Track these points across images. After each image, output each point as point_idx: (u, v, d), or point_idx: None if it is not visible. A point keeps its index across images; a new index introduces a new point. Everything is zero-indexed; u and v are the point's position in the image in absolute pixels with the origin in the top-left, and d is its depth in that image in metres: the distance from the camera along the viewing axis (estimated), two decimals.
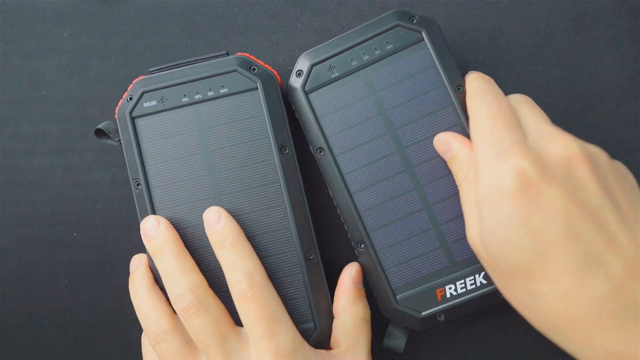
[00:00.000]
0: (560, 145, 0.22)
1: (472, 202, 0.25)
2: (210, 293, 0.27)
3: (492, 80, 0.28)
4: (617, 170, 0.23)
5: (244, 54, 0.30)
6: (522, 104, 0.26)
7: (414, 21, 0.29)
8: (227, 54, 0.30)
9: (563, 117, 0.33)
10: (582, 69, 0.33)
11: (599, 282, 0.20)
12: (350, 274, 0.29)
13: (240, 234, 0.28)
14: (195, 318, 0.26)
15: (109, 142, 0.30)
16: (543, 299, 0.21)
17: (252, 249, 0.28)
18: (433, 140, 0.28)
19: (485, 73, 0.28)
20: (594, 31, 0.33)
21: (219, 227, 0.28)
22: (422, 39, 0.29)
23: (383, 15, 0.29)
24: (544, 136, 0.23)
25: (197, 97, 0.29)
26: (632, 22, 0.33)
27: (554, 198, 0.21)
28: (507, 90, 0.32)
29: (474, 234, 0.24)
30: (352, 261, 0.30)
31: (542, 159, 0.22)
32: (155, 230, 0.28)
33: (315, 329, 0.28)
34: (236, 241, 0.28)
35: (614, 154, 0.32)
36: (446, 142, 0.27)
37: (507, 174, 0.22)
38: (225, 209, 0.29)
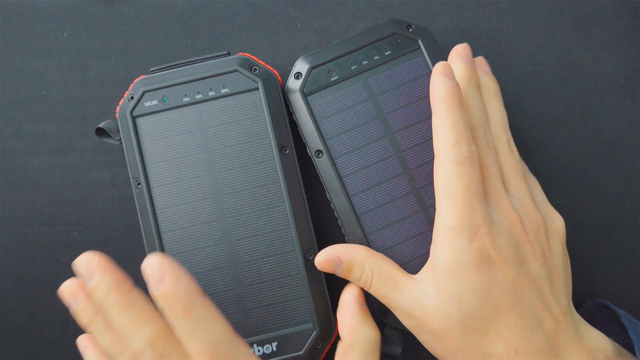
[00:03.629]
0: (513, 224, 0.26)
1: (403, 283, 0.27)
2: (171, 341, 0.24)
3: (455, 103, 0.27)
4: (553, 242, 0.28)
5: (245, 54, 0.30)
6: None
7: (411, 30, 0.30)
8: (229, 54, 0.30)
9: (563, 117, 0.33)
10: (582, 69, 0.33)
11: (540, 338, 0.25)
12: (352, 294, 0.28)
13: (193, 296, 0.23)
14: None
15: (110, 141, 0.30)
16: (498, 357, 0.25)
17: (212, 310, 0.24)
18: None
19: None
20: (594, 31, 0.33)
21: (163, 290, 0.23)
22: (419, 47, 0.30)
23: (382, 22, 0.30)
24: (501, 209, 0.26)
25: (198, 96, 0.29)
26: (632, 22, 0.33)
27: (507, 272, 0.25)
28: (507, 90, 0.32)
29: (428, 307, 0.26)
30: None
31: (499, 239, 0.25)
32: (90, 275, 0.24)
33: (315, 330, 0.28)
34: (189, 308, 0.23)
35: (614, 154, 0.32)
36: (334, 257, 0.27)
37: (474, 252, 0.25)
38: (225, 209, 0.29)
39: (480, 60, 0.31)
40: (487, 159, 0.27)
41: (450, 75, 0.27)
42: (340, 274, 0.27)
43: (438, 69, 0.27)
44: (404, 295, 0.26)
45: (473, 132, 0.28)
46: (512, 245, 0.26)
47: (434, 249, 0.26)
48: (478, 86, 0.29)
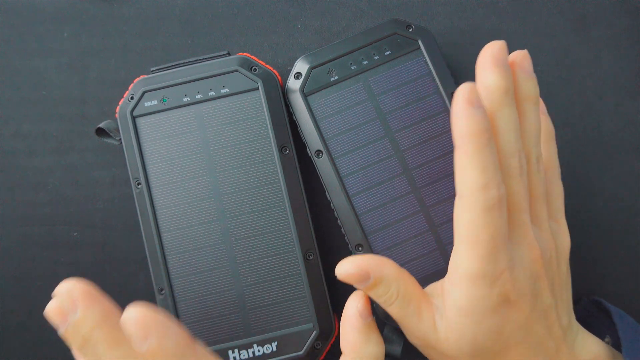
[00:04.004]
0: (534, 260, 0.25)
1: (424, 309, 0.25)
2: None
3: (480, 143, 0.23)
4: (561, 265, 0.27)
5: (245, 54, 0.30)
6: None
7: (411, 30, 0.30)
8: (229, 54, 0.30)
9: (563, 117, 0.33)
10: (582, 69, 0.33)
11: None
12: (356, 306, 0.25)
13: (183, 350, 0.22)
14: None
15: (110, 141, 0.30)
16: None
17: (205, 358, 0.22)
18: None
19: None
20: (594, 31, 0.33)
21: (149, 348, 0.21)
22: (419, 47, 0.30)
23: (382, 22, 0.30)
24: (525, 246, 0.25)
25: (198, 96, 0.29)
26: (632, 22, 0.33)
27: (523, 310, 0.24)
28: None
29: (441, 336, 0.25)
30: None
31: (519, 280, 0.24)
32: (73, 309, 0.22)
33: (315, 330, 0.28)
34: None
35: (614, 154, 0.32)
36: (363, 272, 0.25)
37: (494, 297, 0.24)
38: (225, 209, 0.29)
39: (523, 57, 0.25)
40: (519, 193, 0.24)
41: (477, 103, 0.22)
42: (362, 288, 0.25)
43: (463, 95, 0.22)
44: (422, 321, 0.25)
45: (505, 161, 0.24)
46: (530, 282, 0.24)
47: (450, 288, 0.25)
48: (514, 99, 0.24)
